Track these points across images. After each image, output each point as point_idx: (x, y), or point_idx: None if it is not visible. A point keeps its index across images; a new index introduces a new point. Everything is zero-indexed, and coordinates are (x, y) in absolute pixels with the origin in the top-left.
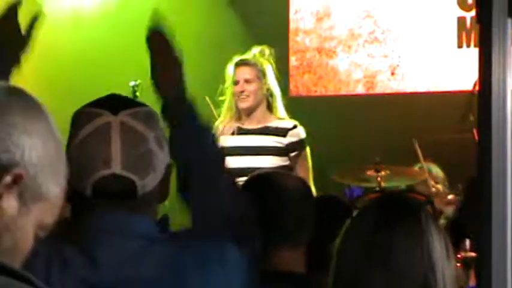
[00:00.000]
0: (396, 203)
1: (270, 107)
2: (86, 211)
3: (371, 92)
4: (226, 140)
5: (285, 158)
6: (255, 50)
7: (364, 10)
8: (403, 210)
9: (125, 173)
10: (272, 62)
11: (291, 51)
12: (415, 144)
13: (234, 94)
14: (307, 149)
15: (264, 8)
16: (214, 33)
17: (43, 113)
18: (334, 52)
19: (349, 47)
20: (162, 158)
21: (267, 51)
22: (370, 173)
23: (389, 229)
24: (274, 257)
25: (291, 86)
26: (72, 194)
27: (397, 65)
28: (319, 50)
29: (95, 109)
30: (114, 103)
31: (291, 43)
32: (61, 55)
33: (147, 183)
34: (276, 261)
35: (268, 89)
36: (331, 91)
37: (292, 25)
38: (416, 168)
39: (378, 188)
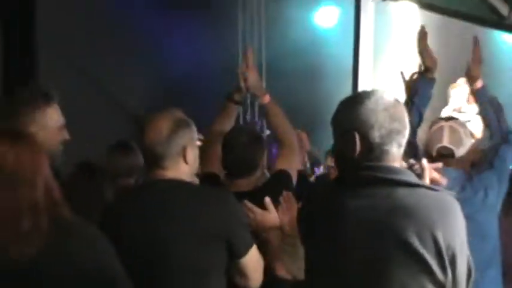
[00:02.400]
0: None
1: None
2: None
3: None
4: None
5: None
6: None
7: None
8: None
9: (449, 146)
10: None
11: None
12: None
13: None
14: None
15: None
16: None
17: None
18: None
19: None
20: (468, 142)
21: None
22: None
23: None
24: None
25: None
26: (427, 155)
27: None
28: None
29: (440, 119)
30: (449, 118)
31: None
32: None
33: (460, 151)
34: None
35: None
36: None
37: None
38: None
39: None
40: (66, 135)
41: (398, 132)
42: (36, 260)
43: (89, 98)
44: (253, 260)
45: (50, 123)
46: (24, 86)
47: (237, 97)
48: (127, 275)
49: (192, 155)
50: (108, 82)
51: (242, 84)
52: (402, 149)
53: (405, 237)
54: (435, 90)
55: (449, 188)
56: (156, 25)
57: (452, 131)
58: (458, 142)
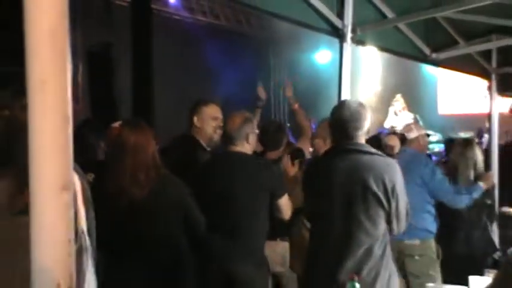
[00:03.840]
0: None
1: None
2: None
3: None
4: None
5: None
6: None
7: None
8: None
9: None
10: None
11: None
12: None
13: None
14: None
15: None
16: None
17: None
18: None
19: None
20: (415, 132)
21: None
22: None
23: None
24: None
25: None
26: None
27: None
28: None
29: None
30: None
31: None
32: None
33: (409, 135)
34: None
35: None
36: None
37: None
38: None
39: None
40: (219, 123)
41: (364, 123)
42: (147, 197)
43: (181, 106)
44: (285, 202)
45: (205, 116)
46: (147, 100)
47: (258, 104)
48: (200, 209)
49: (252, 139)
50: (192, 97)
51: (261, 96)
52: (366, 132)
53: (367, 182)
54: (385, 100)
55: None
56: (218, 63)
57: (407, 125)
58: (409, 131)
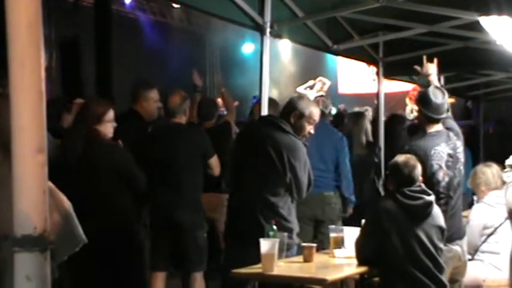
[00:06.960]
0: None
1: None
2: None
3: None
4: None
5: None
6: None
7: None
8: None
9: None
10: None
11: None
12: None
13: None
14: None
15: None
16: None
17: None
18: None
19: None
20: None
21: None
22: None
23: None
24: None
25: None
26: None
27: None
28: None
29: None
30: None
31: None
32: None
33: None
34: None
35: None
36: None
37: None
38: None
39: None
40: (158, 105)
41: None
42: (96, 160)
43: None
44: (215, 161)
45: (148, 98)
46: (107, 82)
47: (197, 89)
48: (141, 169)
49: (188, 112)
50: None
51: (196, 82)
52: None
53: (271, 154)
54: (295, 80)
55: None
56: (164, 53)
57: (322, 101)
58: (326, 107)
